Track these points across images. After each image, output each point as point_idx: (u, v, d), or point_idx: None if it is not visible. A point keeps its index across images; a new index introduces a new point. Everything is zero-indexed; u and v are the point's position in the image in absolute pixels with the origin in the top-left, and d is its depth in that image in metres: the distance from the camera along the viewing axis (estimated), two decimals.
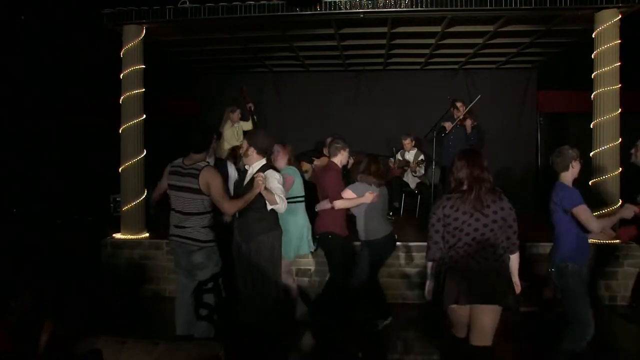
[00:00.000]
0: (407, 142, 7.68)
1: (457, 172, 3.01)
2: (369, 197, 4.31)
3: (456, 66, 8.92)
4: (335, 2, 5.64)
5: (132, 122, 5.94)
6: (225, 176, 4.31)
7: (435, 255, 3.06)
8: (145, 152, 6.07)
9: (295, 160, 5.03)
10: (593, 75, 5.62)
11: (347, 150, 4.66)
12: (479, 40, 7.14)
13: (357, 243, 4.76)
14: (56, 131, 9.08)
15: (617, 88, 5.51)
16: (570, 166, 3.50)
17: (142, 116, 6.03)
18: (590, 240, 3.58)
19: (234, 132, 7.09)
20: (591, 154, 5.60)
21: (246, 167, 4.17)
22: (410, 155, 7.71)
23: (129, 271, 5.76)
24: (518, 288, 3.08)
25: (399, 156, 7.84)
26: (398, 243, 5.01)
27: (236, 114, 7.08)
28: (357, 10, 5.66)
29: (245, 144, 4.10)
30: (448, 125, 6.54)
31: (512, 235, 3.02)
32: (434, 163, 6.85)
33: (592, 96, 5.67)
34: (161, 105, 8.35)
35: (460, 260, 2.94)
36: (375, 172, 4.45)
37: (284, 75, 9.43)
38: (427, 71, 9.08)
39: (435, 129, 6.68)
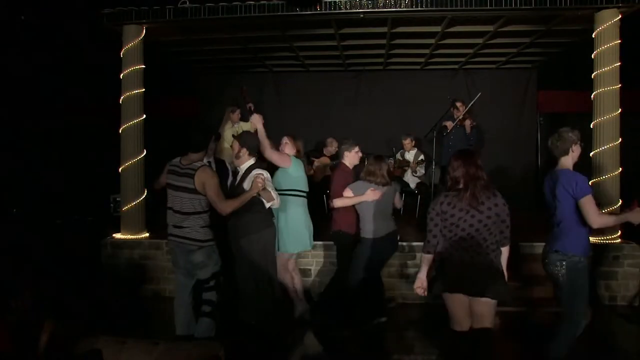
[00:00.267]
0: (407, 142, 7.69)
1: (453, 171, 3.16)
2: (369, 195, 4.35)
3: (456, 66, 8.92)
4: (335, 2, 5.64)
5: (132, 122, 5.94)
6: (225, 177, 4.31)
7: (432, 248, 3.22)
8: (145, 152, 6.07)
9: (305, 157, 5.03)
10: (593, 75, 5.62)
11: (354, 150, 4.77)
12: (479, 40, 7.14)
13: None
14: (56, 131, 9.08)
15: (617, 88, 5.51)
16: (571, 150, 3.34)
17: (142, 116, 6.03)
18: (590, 239, 3.52)
19: (234, 132, 7.07)
20: (591, 154, 5.59)
21: (238, 168, 4.22)
22: (410, 155, 7.71)
23: (129, 271, 5.76)
24: (505, 279, 3.25)
25: (399, 156, 7.84)
26: (400, 243, 5.01)
27: (236, 114, 7.07)
28: (357, 10, 5.66)
29: (236, 146, 4.13)
30: (449, 124, 6.54)
31: (505, 230, 3.16)
32: (434, 163, 6.85)
33: (592, 96, 5.67)
34: (161, 105, 8.36)
35: (455, 253, 3.13)
36: (372, 172, 4.47)
37: (284, 75, 9.43)
38: (427, 71, 9.09)
39: (435, 128, 6.68)
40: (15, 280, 3.21)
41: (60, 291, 4.86)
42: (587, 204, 3.17)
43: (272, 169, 4.57)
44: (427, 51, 7.79)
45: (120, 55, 6.01)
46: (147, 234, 6.04)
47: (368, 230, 4.46)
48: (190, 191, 3.73)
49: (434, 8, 5.57)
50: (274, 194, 3.97)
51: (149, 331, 4.53)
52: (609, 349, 4.41)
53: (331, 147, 7.41)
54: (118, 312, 5.09)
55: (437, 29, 6.58)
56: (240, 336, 4.19)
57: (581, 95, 6.39)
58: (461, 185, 3.12)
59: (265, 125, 4.49)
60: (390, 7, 5.61)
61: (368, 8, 5.64)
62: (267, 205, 4.01)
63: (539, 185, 8.74)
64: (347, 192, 4.52)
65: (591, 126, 5.64)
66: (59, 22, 8.04)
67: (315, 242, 5.16)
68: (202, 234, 3.79)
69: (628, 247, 5.42)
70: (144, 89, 6.06)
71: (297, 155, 4.81)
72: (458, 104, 6.57)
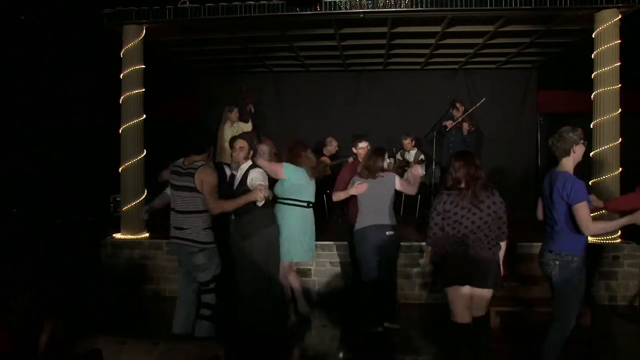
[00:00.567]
0: (407, 142, 7.69)
1: (455, 171, 3.36)
2: (356, 188, 4.39)
3: (456, 66, 8.92)
4: (335, 2, 5.64)
5: (132, 122, 5.94)
6: (224, 180, 4.32)
7: (434, 243, 3.44)
8: (145, 152, 6.07)
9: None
10: (593, 75, 5.63)
11: (360, 145, 4.82)
12: (479, 40, 7.14)
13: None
14: (56, 131, 9.07)
15: (617, 88, 5.52)
16: (572, 151, 3.19)
17: (142, 116, 6.04)
18: (590, 239, 3.49)
19: (233, 132, 7.07)
20: (591, 154, 5.59)
21: (239, 167, 4.24)
22: (410, 155, 7.71)
23: (129, 271, 5.76)
24: (502, 271, 3.48)
25: (399, 156, 7.84)
26: (402, 243, 5.00)
27: (234, 114, 7.07)
28: (357, 10, 5.67)
29: (247, 147, 4.20)
30: (449, 123, 6.55)
31: (502, 226, 3.40)
32: (434, 163, 6.86)
33: (592, 96, 5.67)
34: (161, 105, 8.35)
35: (459, 248, 3.33)
36: (365, 166, 4.47)
37: (284, 75, 9.43)
38: (427, 71, 9.09)
39: (435, 128, 6.69)
40: (15, 280, 3.21)
41: (60, 291, 4.86)
42: (580, 211, 3.06)
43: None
44: (427, 51, 7.79)
45: (120, 55, 6.01)
46: (147, 234, 6.04)
47: (357, 222, 4.49)
48: (191, 190, 3.76)
49: (434, 8, 5.57)
50: (265, 192, 3.97)
51: (149, 331, 4.53)
52: (609, 349, 4.41)
53: (331, 147, 7.41)
54: (118, 312, 5.09)
55: (437, 29, 6.58)
56: (240, 336, 4.19)
57: (581, 95, 6.39)
58: (462, 185, 3.32)
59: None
60: (390, 7, 5.61)
61: (368, 8, 5.64)
62: (260, 204, 4.03)
63: (539, 185, 8.73)
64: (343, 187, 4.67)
65: (591, 126, 5.64)
66: (59, 22, 8.04)
67: (315, 243, 5.12)
68: (204, 236, 3.81)
69: (628, 247, 5.42)
70: (144, 89, 6.06)
71: (303, 162, 4.59)
72: (457, 104, 6.57)
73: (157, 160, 4.70)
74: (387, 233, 4.37)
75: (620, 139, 5.54)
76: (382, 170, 4.43)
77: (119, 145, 6.01)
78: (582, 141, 3.21)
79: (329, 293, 5.60)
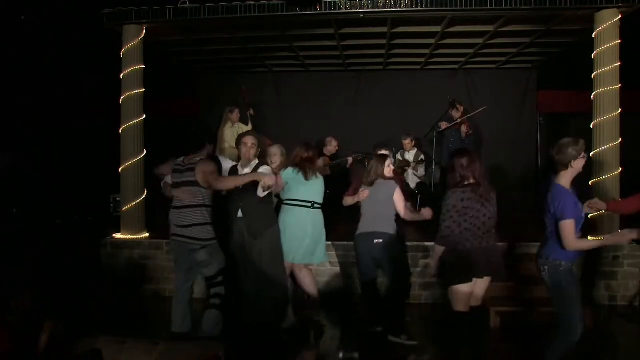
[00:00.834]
0: (407, 142, 7.68)
1: (463, 169, 3.47)
2: (359, 195, 4.43)
3: (456, 66, 8.92)
4: (335, 2, 5.64)
5: (132, 122, 5.94)
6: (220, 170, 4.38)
7: (449, 241, 3.49)
8: (145, 152, 6.07)
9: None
10: (593, 75, 5.62)
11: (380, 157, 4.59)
12: (479, 40, 7.14)
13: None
14: (56, 131, 9.07)
15: (617, 88, 5.51)
16: (570, 165, 3.15)
17: (142, 116, 6.04)
18: (589, 238, 3.53)
19: (233, 132, 7.07)
20: (591, 154, 5.59)
21: (247, 165, 4.27)
22: (410, 155, 7.71)
23: (129, 271, 5.76)
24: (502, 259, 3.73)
25: (399, 156, 7.83)
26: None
27: (235, 114, 7.06)
28: (357, 10, 5.66)
29: (256, 147, 4.30)
30: (444, 124, 6.57)
31: (495, 217, 3.63)
32: (434, 163, 6.86)
33: (592, 96, 5.67)
34: (161, 105, 8.35)
35: (474, 242, 3.47)
36: (368, 173, 4.48)
37: (284, 75, 9.43)
38: (427, 71, 9.08)
39: (434, 128, 6.70)
40: (15, 280, 3.21)
41: (60, 291, 4.86)
42: (565, 227, 3.09)
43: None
44: (427, 51, 7.79)
45: (120, 55, 6.01)
46: (147, 234, 6.04)
47: (359, 227, 4.50)
48: (193, 184, 3.83)
49: (434, 8, 5.57)
50: (270, 181, 4.00)
51: (149, 331, 4.53)
52: (609, 349, 4.41)
53: (331, 147, 7.39)
54: (118, 312, 5.09)
55: (437, 29, 6.58)
56: (241, 336, 4.19)
57: (581, 95, 6.39)
58: (472, 181, 3.46)
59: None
60: (390, 7, 5.61)
61: (368, 8, 5.64)
62: (262, 194, 4.04)
63: (539, 185, 8.76)
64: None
65: (591, 126, 5.65)
66: (59, 22, 8.04)
67: None
68: (205, 233, 3.85)
69: (628, 247, 5.41)
70: (144, 89, 6.06)
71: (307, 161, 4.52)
72: (457, 105, 6.59)
73: (157, 160, 4.70)
74: (375, 241, 4.31)
75: (620, 139, 5.53)
76: (384, 177, 4.39)
77: (119, 145, 6.01)
78: (581, 156, 3.16)
79: (329, 293, 5.59)
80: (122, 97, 5.98)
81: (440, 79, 9.01)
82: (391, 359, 4.16)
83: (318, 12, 5.68)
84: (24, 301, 2.68)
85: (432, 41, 7.18)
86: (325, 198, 4.64)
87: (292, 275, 4.70)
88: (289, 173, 4.45)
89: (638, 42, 6.22)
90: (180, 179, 3.92)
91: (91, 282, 5.63)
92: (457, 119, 6.67)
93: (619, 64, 5.50)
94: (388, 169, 4.45)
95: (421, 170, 7.61)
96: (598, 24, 5.53)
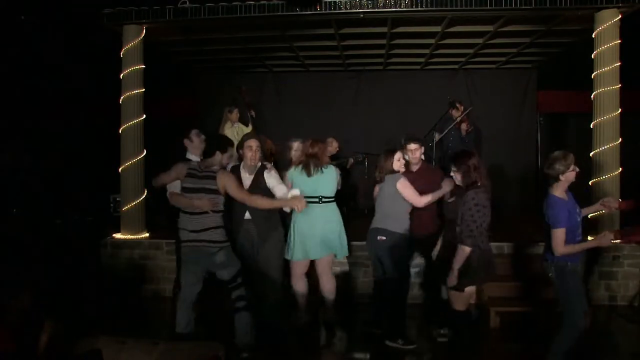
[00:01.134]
0: (415, 148, 7.57)
1: (474, 170, 3.53)
2: (375, 192, 4.47)
3: (456, 66, 8.92)
4: (335, 2, 5.64)
5: (132, 122, 5.94)
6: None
7: (474, 241, 3.49)
8: (145, 152, 6.07)
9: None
10: (593, 75, 5.62)
11: (410, 147, 4.62)
12: (479, 40, 7.14)
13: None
14: (56, 131, 9.08)
15: (617, 88, 5.51)
16: (559, 178, 3.35)
17: (142, 116, 6.04)
18: (589, 238, 3.58)
19: (233, 132, 7.06)
20: (591, 154, 5.59)
21: (251, 167, 4.27)
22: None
23: (129, 271, 5.76)
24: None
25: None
26: None
27: (234, 114, 7.04)
28: (357, 10, 5.66)
29: (260, 150, 4.29)
30: (437, 135, 6.64)
31: None
32: (434, 163, 6.85)
33: (592, 96, 5.67)
34: (161, 105, 8.35)
35: (486, 241, 3.59)
36: (376, 168, 4.50)
37: (284, 75, 9.42)
38: (427, 71, 9.08)
39: (434, 129, 6.69)
40: (15, 280, 3.21)
41: (60, 291, 4.86)
42: (556, 236, 3.31)
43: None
44: (427, 51, 7.79)
45: (120, 55, 6.01)
46: (147, 234, 6.04)
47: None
48: (211, 192, 3.82)
49: (434, 8, 5.57)
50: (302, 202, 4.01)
51: (149, 331, 4.53)
52: (609, 349, 4.41)
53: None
54: (118, 312, 5.09)
55: (437, 29, 6.58)
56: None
57: (581, 95, 6.39)
58: (480, 182, 3.54)
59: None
60: (390, 7, 5.61)
61: (368, 8, 5.64)
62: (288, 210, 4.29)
63: (539, 185, 8.76)
64: None
65: (591, 126, 5.65)
66: (59, 22, 8.04)
67: None
68: (220, 235, 3.87)
69: (628, 247, 5.41)
70: (144, 89, 6.06)
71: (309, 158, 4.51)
72: (458, 104, 6.58)
73: (157, 160, 4.70)
74: (379, 238, 4.28)
75: (620, 139, 5.53)
76: (392, 171, 4.30)
77: (119, 145, 6.01)
78: (570, 169, 3.33)
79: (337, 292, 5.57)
80: (122, 97, 5.98)
81: (440, 79, 9.00)
82: None
83: (318, 12, 5.68)
84: (24, 301, 2.68)
85: (432, 41, 7.18)
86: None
87: (307, 275, 4.67)
88: (292, 172, 4.49)
89: (638, 42, 6.22)
90: (197, 184, 3.84)
91: (91, 282, 5.63)
92: (456, 118, 6.67)
93: (619, 64, 5.50)
94: (398, 163, 4.31)
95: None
96: (598, 24, 5.53)
